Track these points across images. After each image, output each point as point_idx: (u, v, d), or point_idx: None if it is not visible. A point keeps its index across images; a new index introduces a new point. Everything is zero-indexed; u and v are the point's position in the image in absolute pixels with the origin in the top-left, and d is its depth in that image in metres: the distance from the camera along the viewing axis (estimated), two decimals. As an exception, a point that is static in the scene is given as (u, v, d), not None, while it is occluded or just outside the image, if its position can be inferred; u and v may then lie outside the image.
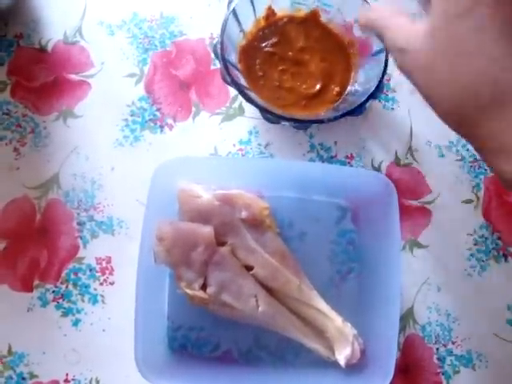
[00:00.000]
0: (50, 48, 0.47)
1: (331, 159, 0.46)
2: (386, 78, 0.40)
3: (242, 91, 0.38)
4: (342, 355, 0.39)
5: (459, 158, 0.47)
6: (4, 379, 0.41)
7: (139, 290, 0.38)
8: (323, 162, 0.46)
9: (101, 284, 0.43)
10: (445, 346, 0.44)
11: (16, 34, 0.47)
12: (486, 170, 0.47)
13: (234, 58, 0.42)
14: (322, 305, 0.40)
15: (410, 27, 0.30)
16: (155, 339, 0.40)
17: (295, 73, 0.44)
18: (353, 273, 0.43)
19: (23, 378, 0.42)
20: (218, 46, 0.39)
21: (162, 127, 0.46)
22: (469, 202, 0.46)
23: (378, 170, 0.46)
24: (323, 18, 0.44)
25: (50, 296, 0.43)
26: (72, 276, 0.43)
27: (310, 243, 0.43)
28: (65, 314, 0.43)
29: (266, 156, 0.46)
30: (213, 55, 0.47)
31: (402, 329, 0.43)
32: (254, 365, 0.41)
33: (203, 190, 0.40)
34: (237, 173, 0.42)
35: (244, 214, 0.40)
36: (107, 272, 0.43)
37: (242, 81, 0.41)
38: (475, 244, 0.45)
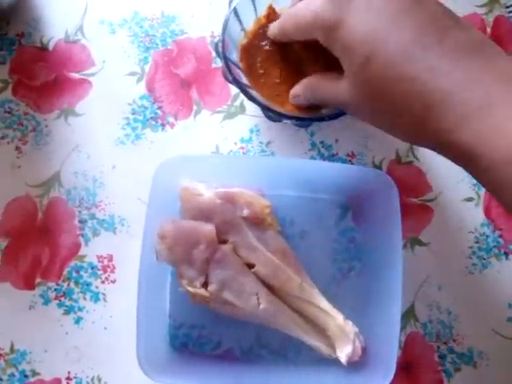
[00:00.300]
0: (51, 46, 0.47)
1: (332, 157, 0.46)
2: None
3: (243, 89, 0.38)
4: (343, 353, 0.39)
5: (460, 156, 0.47)
6: (6, 377, 0.41)
7: (141, 288, 0.38)
8: (324, 160, 0.46)
9: (102, 282, 0.43)
10: (446, 343, 0.44)
11: (17, 33, 0.47)
12: (487, 168, 0.47)
13: (235, 56, 0.42)
14: (324, 303, 0.40)
15: (335, 86, 0.33)
16: (157, 337, 0.40)
17: (297, 71, 0.43)
18: (354, 271, 0.43)
19: (25, 376, 0.42)
20: (220, 45, 0.39)
21: (163, 125, 0.46)
22: (470, 199, 0.46)
23: (379, 167, 0.46)
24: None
25: (51, 294, 0.43)
26: (74, 274, 0.43)
27: (311, 241, 0.44)
28: (66, 312, 0.43)
29: (268, 154, 0.46)
30: (214, 54, 0.47)
31: (403, 327, 0.44)
32: (255, 363, 0.41)
33: (205, 188, 0.40)
34: (238, 171, 0.42)
35: (245, 212, 0.40)
36: (109, 270, 0.44)
37: (244, 79, 0.41)
38: (476, 242, 0.46)
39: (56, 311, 0.43)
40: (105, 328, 0.43)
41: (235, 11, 0.40)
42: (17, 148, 0.45)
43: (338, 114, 0.39)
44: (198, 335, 0.42)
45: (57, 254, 0.44)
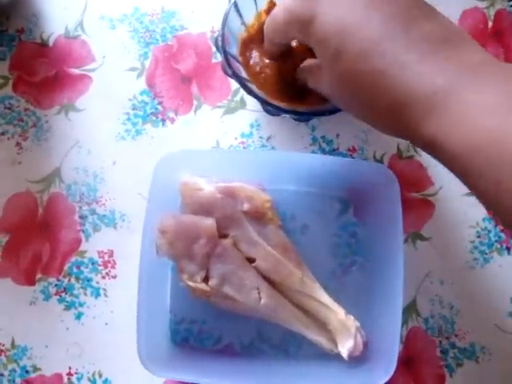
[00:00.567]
0: (51, 42, 0.47)
1: (333, 152, 0.46)
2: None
3: (242, 83, 0.38)
4: (344, 348, 0.39)
5: (462, 150, 0.47)
6: (7, 372, 0.41)
7: (141, 283, 0.38)
8: (325, 154, 0.46)
9: (103, 277, 0.43)
10: (448, 338, 0.44)
11: (17, 29, 0.47)
12: (488, 162, 0.47)
13: (235, 50, 0.41)
14: (325, 297, 0.40)
15: (319, 75, 0.34)
16: (158, 332, 0.40)
17: (297, 66, 0.43)
18: (355, 265, 0.43)
19: (26, 371, 0.42)
20: (219, 39, 0.39)
21: (163, 121, 0.46)
22: (471, 194, 0.46)
23: (380, 162, 0.46)
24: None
25: (52, 289, 0.43)
26: (74, 269, 0.43)
27: (312, 236, 0.43)
28: (67, 308, 0.43)
29: (268, 149, 0.46)
30: (214, 49, 0.47)
31: (405, 321, 0.43)
32: (256, 357, 0.41)
33: (205, 183, 0.40)
34: (239, 165, 0.42)
35: (246, 207, 0.40)
36: (109, 265, 0.43)
37: (243, 73, 0.40)
38: (478, 236, 0.45)
39: (57, 307, 0.43)
40: (106, 323, 0.43)
41: (235, 5, 0.40)
42: (17, 144, 0.45)
43: (337, 108, 0.39)
44: (198, 330, 0.42)
45: (57, 249, 0.43)
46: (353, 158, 0.46)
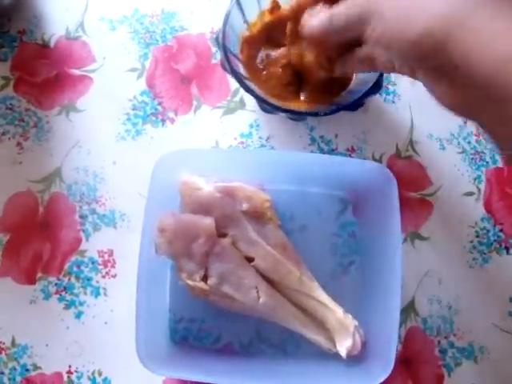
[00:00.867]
0: (52, 43, 0.47)
1: (332, 152, 0.46)
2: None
3: (240, 80, 0.38)
4: (343, 347, 0.39)
5: (460, 150, 0.47)
6: (8, 370, 0.42)
7: (140, 282, 0.38)
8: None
9: (103, 277, 0.44)
10: (446, 338, 0.44)
11: (19, 30, 0.47)
12: (487, 162, 0.47)
13: (235, 47, 0.42)
14: (323, 296, 0.40)
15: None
16: (157, 331, 0.40)
17: (296, 67, 0.44)
18: (354, 265, 0.43)
19: (27, 370, 0.42)
20: (220, 35, 0.39)
21: (163, 121, 0.46)
22: (470, 194, 0.46)
23: (379, 162, 0.46)
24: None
25: (52, 288, 0.43)
26: (74, 269, 0.44)
27: (311, 236, 0.44)
28: (67, 307, 0.43)
29: (267, 149, 0.46)
30: (214, 49, 0.48)
31: (404, 321, 0.43)
32: (255, 357, 0.41)
33: (204, 183, 0.40)
34: (238, 165, 0.42)
35: (245, 206, 0.40)
36: (109, 265, 0.44)
37: (242, 70, 0.41)
38: (477, 236, 0.45)
39: (57, 306, 0.43)
40: (105, 322, 0.43)
41: (238, 2, 0.40)
42: (18, 144, 0.45)
43: (333, 110, 0.39)
44: (197, 329, 0.42)
45: (58, 248, 0.44)
46: (351, 157, 0.46)
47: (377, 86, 0.40)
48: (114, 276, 0.44)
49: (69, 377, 0.42)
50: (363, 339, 0.39)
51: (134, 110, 0.46)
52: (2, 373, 0.42)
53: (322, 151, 0.46)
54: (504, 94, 0.25)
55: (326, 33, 0.33)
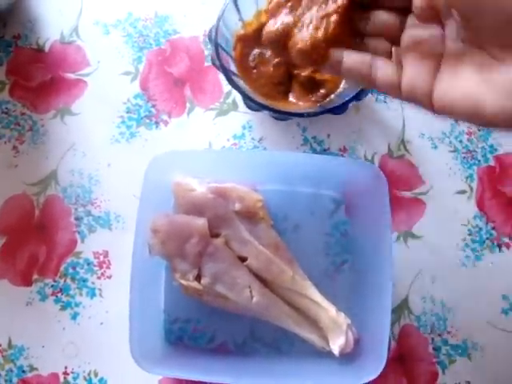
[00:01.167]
0: (47, 48, 0.48)
1: (324, 152, 0.46)
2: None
3: (228, 76, 0.39)
4: (336, 345, 0.39)
5: (452, 149, 0.47)
6: (4, 372, 0.42)
7: (134, 282, 0.38)
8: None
9: (98, 278, 0.44)
10: (440, 335, 0.44)
11: (14, 35, 0.48)
12: (479, 160, 0.47)
13: (229, 44, 0.42)
14: (316, 295, 0.40)
15: None
16: (151, 331, 0.41)
17: (288, 68, 0.44)
18: (346, 264, 0.43)
19: (23, 371, 0.42)
20: (213, 30, 0.40)
21: (157, 123, 0.47)
22: (462, 192, 0.46)
23: (371, 162, 0.46)
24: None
25: (48, 290, 0.44)
26: (70, 270, 0.44)
27: (304, 236, 0.44)
28: (63, 308, 0.43)
29: (260, 150, 0.46)
30: (206, 52, 0.48)
31: (397, 319, 0.44)
32: (249, 356, 0.42)
33: (197, 184, 0.41)
34: (231, 166, 0.43)
35: (238, 207, 0.40)
36: (104, 266, 0.44)
37: (233, 67, 0.41)
38: (469, 234, 0.46)
39: (53, 307, 0.43)
40: (101, 323, 0.43)
41: (234, 0, 0.40)
42: (14, 147, 0.46)
43: (317, 112, 0.39)
44: (192, 329, 0.42)
45: (53, 250, 0.44)
46: (344, 157, 0.46)
47: (363, 92, 0.40)
48: (110, 277, 0.44)
49: (65, 378, 0.42)
50: (356, 337, 0.39)
51: (128, 112, 0.47)
52: (-1, 374, 0.42)
53: (314, 151, 0.46)
54: None
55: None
